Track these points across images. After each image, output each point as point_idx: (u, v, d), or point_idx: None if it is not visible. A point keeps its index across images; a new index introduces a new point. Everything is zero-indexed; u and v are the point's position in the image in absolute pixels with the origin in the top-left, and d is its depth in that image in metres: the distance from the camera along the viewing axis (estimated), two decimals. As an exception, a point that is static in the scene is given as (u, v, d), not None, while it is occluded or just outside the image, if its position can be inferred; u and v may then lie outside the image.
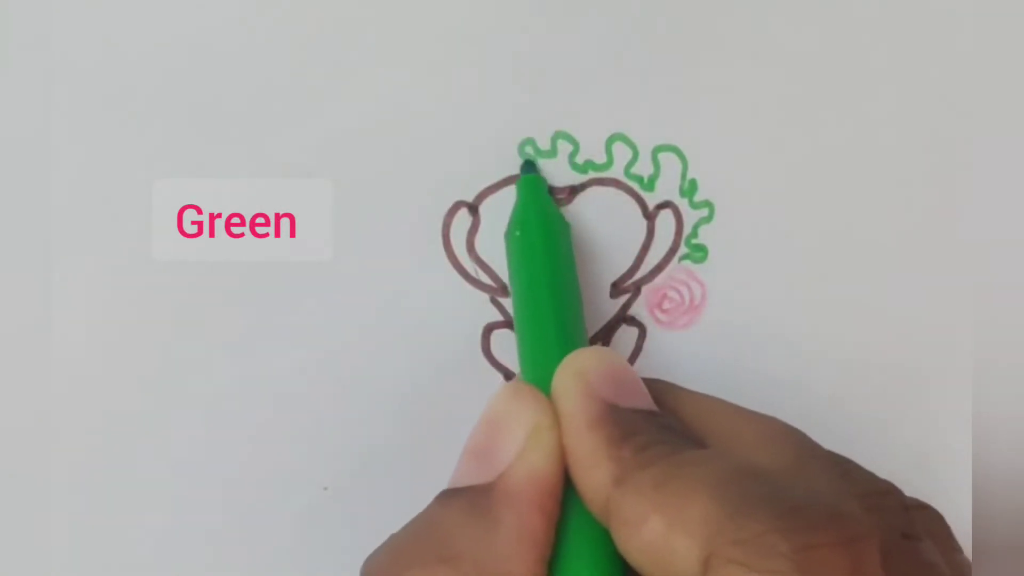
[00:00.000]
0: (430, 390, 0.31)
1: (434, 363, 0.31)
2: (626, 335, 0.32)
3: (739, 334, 0.31)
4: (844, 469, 0.23)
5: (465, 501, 0.22)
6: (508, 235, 0.29)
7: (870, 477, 0.23)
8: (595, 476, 0.21)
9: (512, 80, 0.30)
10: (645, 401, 0.23)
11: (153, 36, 0.30)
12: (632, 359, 0.31)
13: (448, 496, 0.23)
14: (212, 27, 0.30)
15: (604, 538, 0.21)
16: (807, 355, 0.32)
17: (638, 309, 0.31)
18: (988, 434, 0.32)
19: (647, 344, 0.31)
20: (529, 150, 0.31)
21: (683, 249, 0.31)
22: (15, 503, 0.31)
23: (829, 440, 0.32)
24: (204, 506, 0.31)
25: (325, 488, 0.31)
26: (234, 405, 0.31)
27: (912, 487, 0.32)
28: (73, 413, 0.30)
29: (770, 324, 0.31)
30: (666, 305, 0.31)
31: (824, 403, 0.32)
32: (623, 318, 0.31)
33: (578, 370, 0.23)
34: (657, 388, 0.24)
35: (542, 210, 0.29)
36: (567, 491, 0.22)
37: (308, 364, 0.31)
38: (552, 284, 0.27)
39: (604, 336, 0.31)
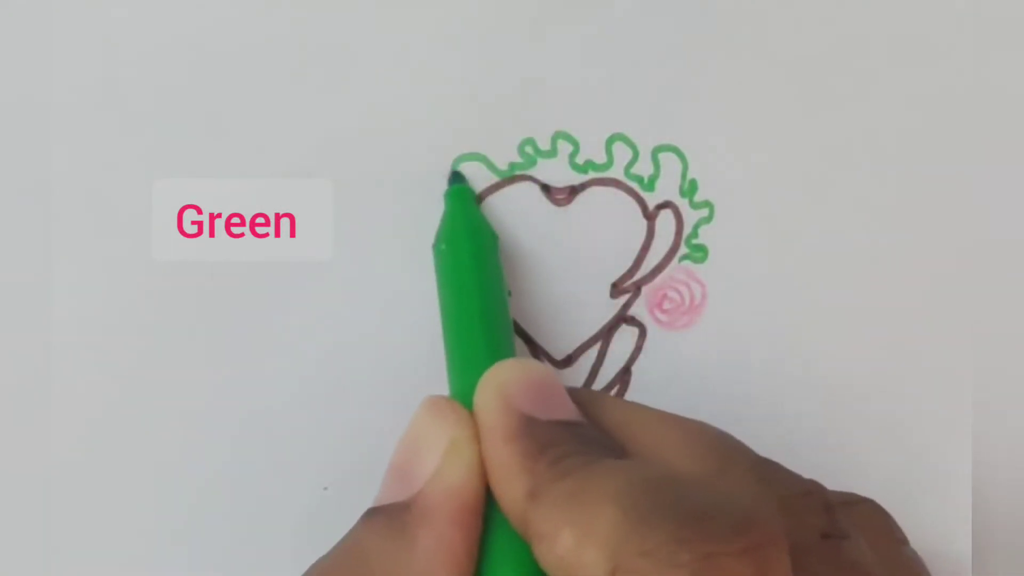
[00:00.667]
0: (430, 390, 0.31)
1: (434, 363, 0.31)
2: (626, 335, 0.32)
3: (739, 334, 0.31)
4: (766, 472, 0.23)
5: (384, 519, 0.22)
6: (435, 247, 0.28)
7: (793, 479, 0.23)
8: (512, 490, 0.21)
9: (512, 80, 0.30)
10: (567, 412, 0.23)
11: (153, 36, 0.30)
12: (632, 359, 0.31)
13: (369, 515, 0.23)
14: (212, 27, 0.30)
15: (527, 554, 0.21)
16: (807, 355, 0.32)
17: (638, 309, 0.31)
18: (988, 434, 0.32)
19: (647, 344, 0.31)
20: (529, 150, 0.31)
21: (683, 249, 0.31)
22: (15, 503, 0.31)
23: (829, 440, 0.32)
24: (204, 506, 0.31)
25: (325, 488, 0.31)
26: (234, 405, 0.31)
27: (912, 487, 0.32)
28: (73, 412, 0.30)
29: (770, 324, 0.31)
30: (666, 305, 0.31)
31: (824, 403, 0.32)
32: (623, 318, 0.31)
33: (498, 383, 0.23)
34: (583, 398, 0.24)
35: (469, 222, 0.28)
36: (491, 506, 0.22)
37: (308, 364, 0.31)
38: (480, 297, 0.27)
39: (603, 336, 0.31)
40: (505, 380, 0.23)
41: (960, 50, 0.31)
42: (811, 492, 0.23)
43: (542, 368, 0.24)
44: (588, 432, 0.23)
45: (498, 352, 0.25)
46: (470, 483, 0.22)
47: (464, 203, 0.29)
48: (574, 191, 0.31)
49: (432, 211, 0.31)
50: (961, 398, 0.32)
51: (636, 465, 0.22)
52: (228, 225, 0.30)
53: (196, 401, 0.31)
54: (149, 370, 0.30)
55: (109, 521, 0.31)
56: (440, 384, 0.31)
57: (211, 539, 0.31)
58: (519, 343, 0.31)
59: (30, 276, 0.30)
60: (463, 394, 0.24)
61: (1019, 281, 0.32)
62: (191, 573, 0.31)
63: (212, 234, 0.30)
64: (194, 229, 0.30)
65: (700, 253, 0.31)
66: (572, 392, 0.24)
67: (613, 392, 0.32)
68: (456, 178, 0.30)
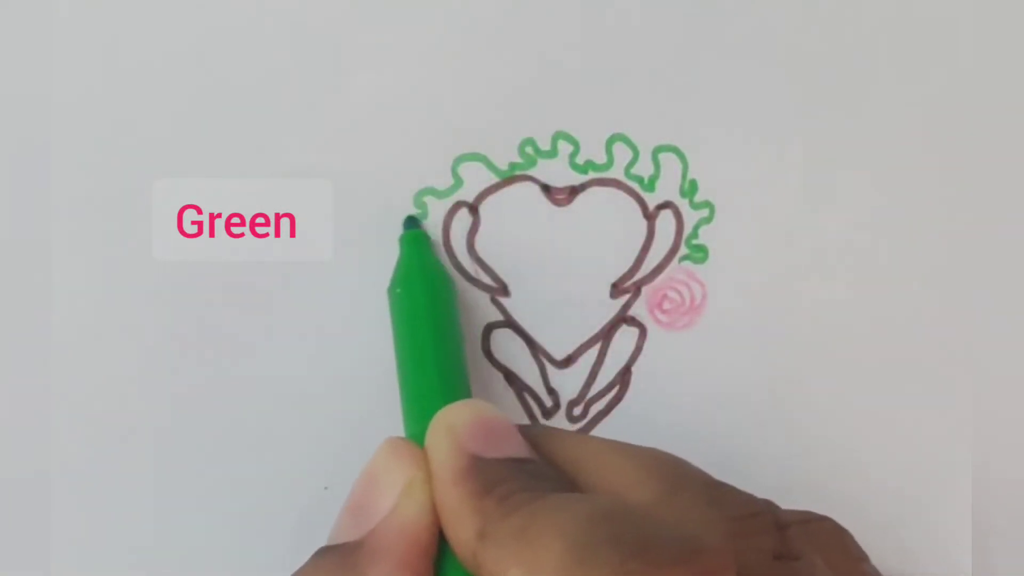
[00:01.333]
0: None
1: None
2: (626, 335, 0.31)
3: (739, 335, 0.31)
4: (715, 495, 0.23)
5: (336, 558, 0.22)
6: (390, 291, 0.29)
7: (744, 499, 0.23)
8: (461, 531, 0.21)
9: (512, 80, 0.30)
10: (517, 449, 0.23)
11: (153, 36, 0.30)
12: (632, 360, 0.31)
13: (321, 554, 0.23)
14: (212, 28, 0.30)
15: None
16: (807, 355, 0.32)
17: (638, 309, 0.31)
18: (989, 434, 0.32)
19: (647, 345, 0.31)
20: (529, 150, 0.31)
21: (683, 250, 0.31)
22: (15, 503, 0.31)
23: (829, 440, 0.32)
24: (204, 506, 0.31)
25: (325, 488, 0.31)
26: (234, 405, 0.31)
27: (912, 487, 0.32)
28: (73, 412, 0.30)
29: (770, 325, 0.31)
30: (666, 305, 0.31)
31: (825, 404, 0.32)
32: (623, 318, 0.31)
33: (448, 424, 0.23)
34: (533, 434, 0.24)
35: (424, 267, 0.29)
36: (444, 549, 0.22)
37: (308, 364, 0.31)
38: (434, 340, 0.27)
39: (604, 336, 0.31)
40: (454, 422, 0.23)
41: (960, 50, 0.31)
42: (762, 512, 0.23)
43: (491, 408, 0.24)
44: (537, 468, 0.23)
45: (451, 396, 0.25)
46: (423, 523, 0.22)
47: (419, 248, 0.29)
48: (574, 191, 0.31)
49: (432, 211, 0.31)
50: (962, 398, 0.32)
51: (583, 498, 0.22)
52: (228, 225, 0.30)
53: (196, 401, 0.31)
54: (149, 370, 0.30)
55: (109, 521, 0.31)
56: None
57: (211, 539, 0.31)
58: (520, 344, 0.31)
59: (30, 276, 0.30)
60: (417, 437, 0.24)
61: (1020, 281, 0.32)
62: (191, 573, 0.31)
63: (212, 234, 0.30)
64: (194, 229, 0.30)
65: (700, 253, 0.31)
66: (523, 429, 0.24)
67: (613, 392, 0.32)
68: (411, 223, 0.30)
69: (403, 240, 0.30)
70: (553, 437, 0.24)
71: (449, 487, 0.22)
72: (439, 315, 0.27)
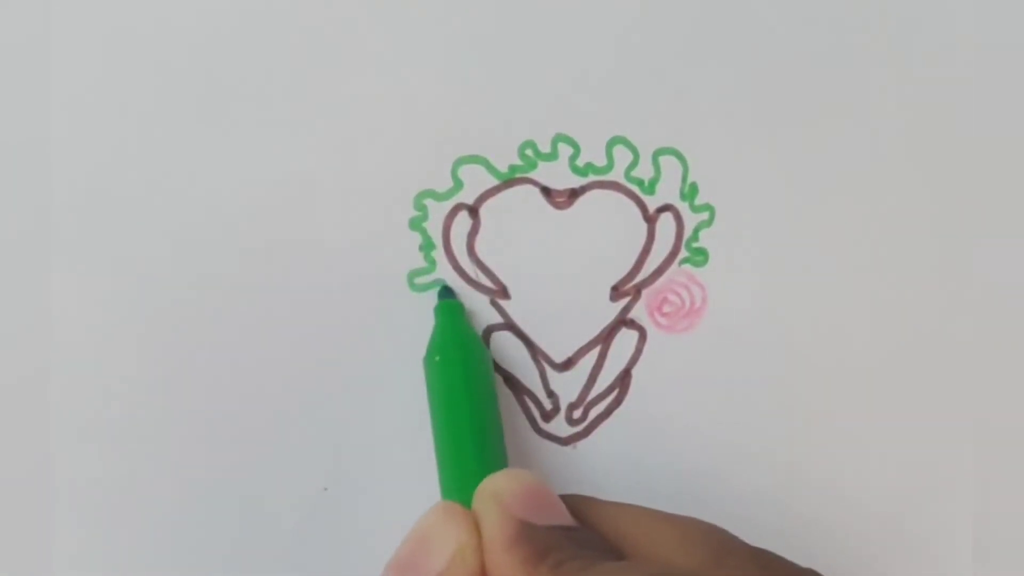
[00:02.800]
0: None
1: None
2: (626, 338, 0.31)
3: (739, 338, 0.31)
4: (763, 562, 0.23)
5: None
6: (427, 360, 0.29)
7: (789, 568, 0.24)
8: None
9: (512, 82, 0.30)
10: (563, 517, 0.23)
11: (154, 37, 0.30)
12: (632, 362, 0.31)
13: None
14: (213, 28, 0.30)
15: None
16: (807, 358, 0.32)
17: (638, 312, 0.31)
18: (989, 434, 0.32)
19: (647, 347, 0.31)
20: (529, 152, 0.31)
21: (683, 252, 0.31)
22: (15, 503, 0.31)
23: (829, 441, 0.32)
24: (204, 506, 0.31)
25: (325, 488, 0.31)
26: (234, 405, 0.31)
27: (913, 487, 0.32)
28: (73, 412, 0.31)
29: (770, 328, 0.31)
30: (666, 308, 0.31)
31: (824, 406, 0.32)
32: (623, 321, 0.31)
33: (494, 491, 0.24)
34: (574, 502, 0.24)
35: (461, 335, 0.29)
36: None
37: (308, 364, 0.31)
38: (472, 408, 0.27)
39: (604, 339, 0.31)
40: (500, 489, 0.24)
41: (960, 52, 0.31)
42: None
43: (534, 477, 0.25)
44: (585, 536, 0.23)
45: (490, 463, 0.26)
46: None
47: (455, 316, 0.30)
48: (574, 194, 0.31)
49: (432, 213, 0.31)
50: (962, 398, 0.32)
51: (634, 566, 0.22)
52: (230, 225, 0.30)
53: (196, 401, 0.31)
54: (149, 370, 0.31)
55: (108, 521, 0.31)
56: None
57: (211, 539, 0.31)
58: (520, 346, 0.31)
59: (30, 276, 0.30)
60: (457, 501, 0.25)
61: (1020, 281, 0.32)
62: (191, 573, 0.31)
63: (212, 233, 0.30)
64: (195, 229, 0.30)
65: (700, 256, 0.31)
66: (565, 498, 0.24)
67: (613, 395, 0.32)
68: (446, 292, 0.30)
69: (439, 310, 0.30)
70: (592, 505, 0.25)
71: (502, 553, 0.22)
72: (476, 385, 0.28)
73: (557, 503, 0.24)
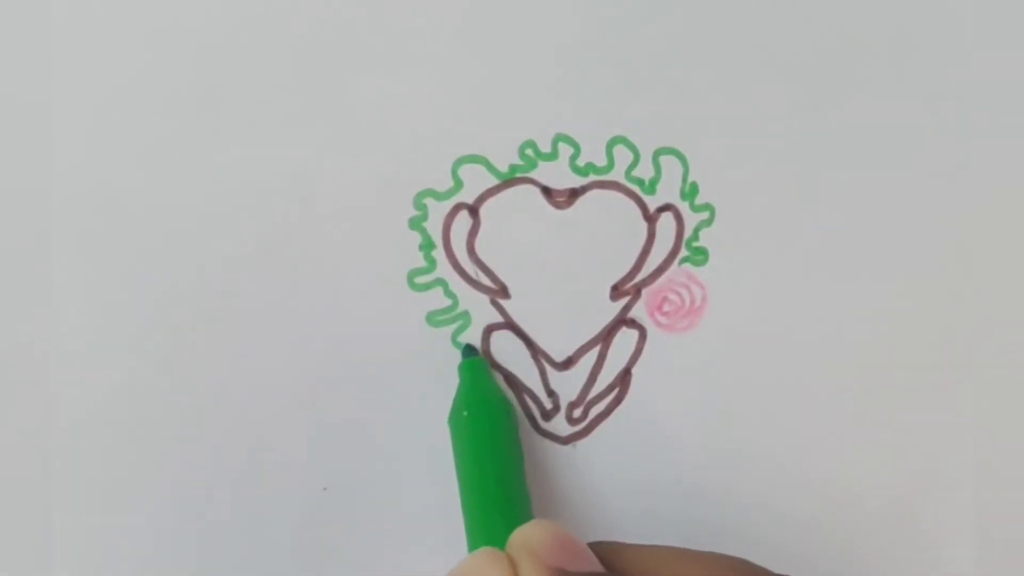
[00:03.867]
0: (430, 391, 0.31)
1: (434, 364, 0.31)
2: (626, 337, 0.31)
3: (739, 337, 0.31)
4: None
5: None
6: (453, 416, 0.29)
7: None
8: None
9: (513, 82, 0.30)
10: (593, 564, 0.24)
11: (155, 37, 0.30)
12: (632, 362, 0.31)
13: None
14: (214, 29, 0.30)
15: None
16: (807, 358, 0.32)
17: (638, 311, 0.31)
18: (989, 434, 0.32)
19: (647, 347, 0.31)
20: (530, 152, 0.31)
21: (684, 252, 0.31)
22: (15, 503, 0.31)
23: (829, 441, 0.32)
24: (204, 506, 0.31)
25: (325, 488, 0.31)
26: (234, 405, 0.31)
27: (913, 487, 0.32)
28: (73, 412, 0.30)
29: (770, 327, 0.31)
30: (666, 308, 0.31)
31: (824, 405, 0.32)
32: (623, 320, 0.31)
33: (525, 541, 0.24)
34: (602, 549, 0.25)
35: (487, 392, 0.30)
36: None
37: (308, 365, 0.31)
38: (498, 466, 0.28)
39: (604, 338, 0.31)
40: (531, 539, 0.24)
41: (960, 50, 0.31)
42: None
43: (561, 527, 0.25)
44: None
45: (517, 517, 0.26)
46: None
47: (481, 373, 0.30)
48: (575, 194, 0.31)
49: (433, 213, 0.31)
50: (962, 398, 0.32)
51: None
52: (230, 224, 0.30)
53: (196, 401, 0.31)
54: (149, 370, 0.30)
55: (108, 521, 0.31)
56: (440, 385, 0.31)
57: (211, 539, 0.31)
58: (520, 345, 0.31)
59: (30, 276, 0.30)
60: None
61: (1020, 281, 0.32)
62: (191, 573, 0.31)
63: (213, 232, 0.30)
64: (195, 228, 0.30)
65: (701, 256, 0.31)
66: (592, 546, 0.25)
67: (613, 394, 0.32)
68: (470, 351, 0.31)
69: (463, 368, 0.31)
70: (619, 551, 0.25)
71: None
72: (502, 440, 0.29)
73: (585, 550, 0.24)
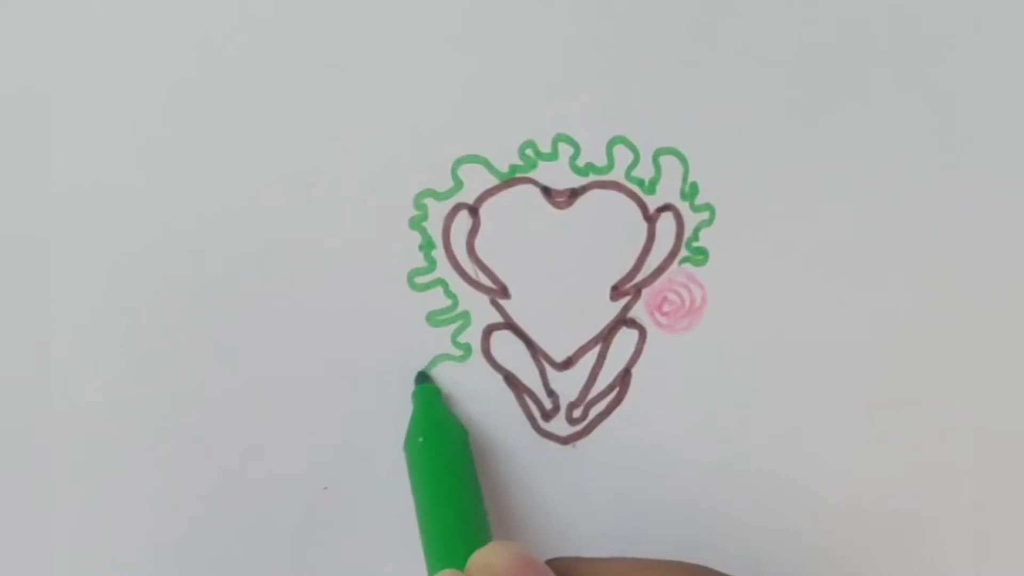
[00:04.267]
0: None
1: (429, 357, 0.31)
2: (626, 337, 0.31)
3: (739, 337, 0.31)
4: None
5: None
6: (409, 442, 0.30)
7: None
8: None
9: (513, 82, 0.30)
10: None
11: (155, 38, 0.30)
12: (631, 362, 0.31)
13: None
14: (214, 29, 0.30)
15: None
16: (807, 358, 0.32)
17: (638, 312, 0.31)
18: (989, 434, 0.32)
19: (647, 347, 0.31)
20: (530, 152, 0.31)
21: (684, 252, 0.31)
22: (15, 503, 0.31)
23: (829, 441, 0.32)
24: (204, 506, 0.31)
25: (325, 488, 0.31)
26: (234, 405, 0.31)
27: (913, 487, 0.32)
28: (73, 413, 0.31)
29: (770, 327, 0.31)
30: (666, 308, 0.31)
31: (825, 405, 0.32)
32: (623, 320, 0.31)
33: (486, 564, 0.25)
34: (562, 565, 0.25)
35: (441, 418, 0.30)
36: None
37: (308, 365, 0.31)
38: (454, 490, 0.28)
39: (604, 338, 0.31)
40: (491, 562, 0.25)
41: (960, 50, 0.31)
42: None
43: (520, 547, 0.25)
44: None
45: (476, 539, 0.27)
46: None
47: (434, 400, 0.30)
48: (575, 194, 0.31)
49: (433, 213, 0.31)
50: (962, 399, 0.32)
51: None
52: (229, 223, 0.30)
53: (196, 401, 0.31)
54: (148, 370, 0.31)
55: (108, 521, 0.31)
56: (439, 385, 0.31)
57: (211, 539, 0.31)
58: (520, 345, 0.31)
59: (30, 276, 0.30)
60: None
61: (1020, 281, 0.32)
62: (191, 573, 0.31)
63: (212, 232, 0.30)
64: (196, 227, 0.30)
65: (701, 256, 0.31)
66: (550, 562, 0.25)
67: (613, 394, 0.32)
68: (422, 378, 0.31)
69: (417, 394, 0.31)
70: (579, 564, 0.26)
71: None
72: (458, 466, 0.29)
73: (544, 568, 0.25)
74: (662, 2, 0.30)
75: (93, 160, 0.30)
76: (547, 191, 0.31)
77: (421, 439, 0.29)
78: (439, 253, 0.31)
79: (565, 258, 0.31)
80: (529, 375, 0.31)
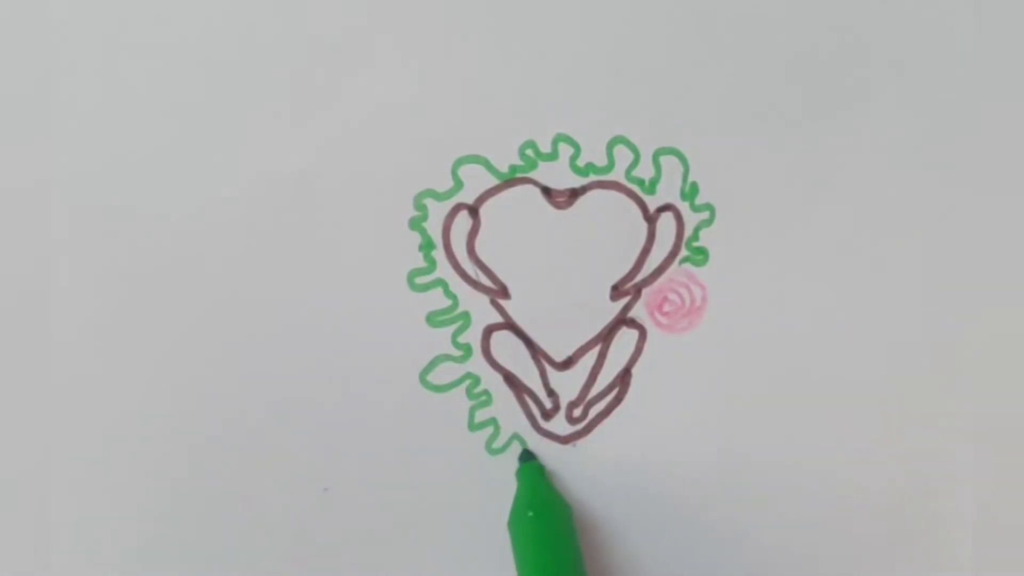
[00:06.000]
0: (430, 391, 0.31)
1: (430, 355, 0.31)
2: (626, 337, 0.31)
3: (739, 337, 0.31)
4: None
5: None
6: (516, 517, 0.30)
7: None
8: None
9: (513, 82, 0.30)
10: None
11: (155, 38, 0.30)
12: (632, 361, 0.31)
13: None
14: (214, 29, 0.30)
15: None
16: (807, 358, 0.32)
17: (638, 311, 0.31)
18: (989, 434, 0.32)
19: (647, 346, 0.31)
20: (530, 152, 0.30)
21: (684, 252, 0.31)
22: (15, 503, 0.31)
23: (829, 440, 0.32)
24: (204, 506, 0.31)
25: (325, 488, 0.31)
26: (234, 405, 0.31)
27: (913, 487, 0.32)
28: (73, 413, 0.30)
29: (770, 327, 0.31)
30: (666, 308, 0.31)
31: (824, 405, 0.32)
32: (623, 320, 0.31)
33: None
34: None
35: (547, 495, 0.30)
36: None
37: (308, 365, 0.31)
38: (564, 559, 0.29)
39: (604, 338, 0.31)
40: None
41: (960, 50, 0.31)
42: None
43: None
44: None
45: None
46: None
47: (540, 477, 0.31)
48: (575, 194, 0.31)
49: (433, 213, 0.31)
50: (963, 397, 0.32)
51: None
52: (228, 223, 0.30)
53: (196, 401, 0.31)
54: (149, 370, 0.30)
55: (108, 521, 0.31)
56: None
57: (212, 539, 0.31)
58: (520, 345, 0.31)
59: (30, 276, 0.30)
60: None
61: (1020, 280, 0.32)
62: (191, 573, 0.31)
63: (213, 232, 0.30)
64: (196, 227, 0.30)
65: (701, 256, 0.31)
66: None
67: (613, 394, 0.32)
68: (526, 456, 0.31)
69: (521, 472, 0.31)
70: None
71: None
72: (566, 538, 0.30)
73: None
74: (662, 2, 0.30)
75: (93, 160, 0.30)
76: (547, 191, 0.31)
77: (531, 514, 0.30)
78: (439, 253, 0.31)
79: (565, 258, 0.31)
80: (529, 375, 0.31)
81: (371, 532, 0.31)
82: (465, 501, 0.31)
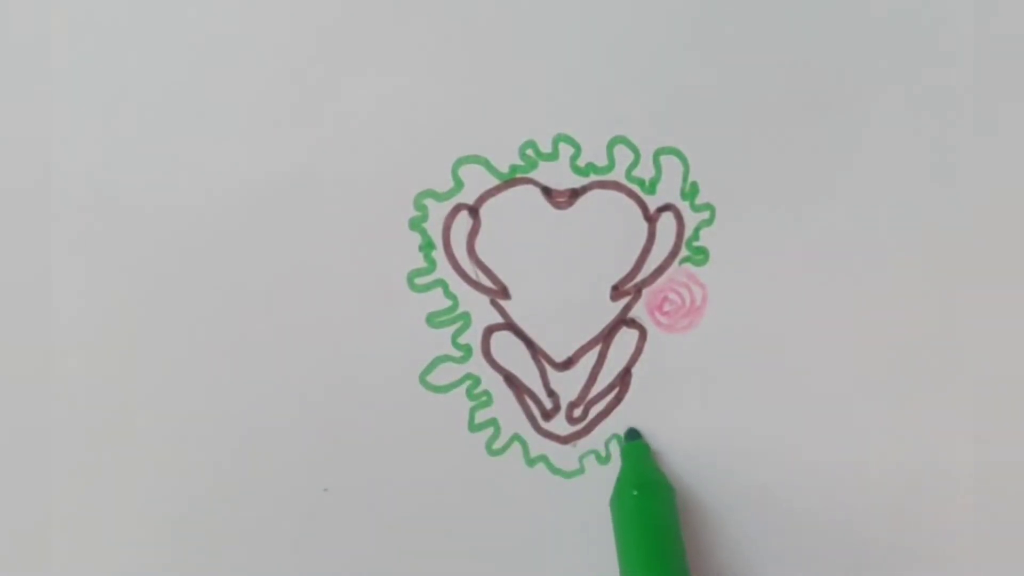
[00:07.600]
0: (430, 392, 0.31)
1: (430, 352, 0.31)
2: (626, 337, 0.32)
3: (740, 336, 0.31)
4: None
5: None
6: (620, 495, 0.30)
7: None
8: None
9: (513, 82, 0.30)
10: None
11: (154, 39, 0.30)
12: (632, 361, 0.32)
13: None
14: (214, 29, 0.30)
15: None
16: (807, 357, 0.32)
17: (638, 311, 0.31)
18: (989, 434, 0.32)
19: (647, 346, 0.31)
20: (530, 152, 0.30)
21: (684, 252, 0.31)
22: (15, 503, 0.31)
23: (829, 440, 0.32)
24: (205, 506, 0.31)
25: (325, 488, 0.31)
26: (234, 405, 0.31)
27: (913, 486, 0.32)
28: (73, 412, 0.31)
29: (770, 327, 0.31)
30: (667, 307, 0.31)
31: (825, 404, 0.32)
32: (623, 320, 0.31)
33: None
34: None
35: (652, 475, 0.31)
36: None
37: (308, 365, 0.31)
38: (667, 539, 0.29)
39: (604, 338, 0.31)
40: None
41: (960, 50, 0.31)
42: None
43: None
44: None
45: None
46: None
47: (644, 458, 0.31)
48: (575, 194, 0.31)
49: (433, 213, 0.31)
50: (963, 396, 0.32)
51: None
52: (228, 223, 0.30)
53: (196, 402, 0.31)
54: (149, 371, 0.30)
55: (109, 522, 0.31)
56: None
57: (212, 539, 0.31)
58: (521, 345, 0.31)
59: (30, 276, 0.30)
60: None
61: (1020, 280, 0.32)
62: (191, 573, 0.31)
63: (212, 232, 0.30)
64: (195, 226, 0.30)
65: (701, 255, 0.31)
66: None
67: (613, 394, 0.32)
68: (632, 434, 0.31)
69: (626, 451, 0.31)
70: None
71: None
72: (669, 519, 0.30)
73: None
74: (662, 2, 0.30)
75: (93, 161, 0.30)
76: (547, 191, 0.31)
77: (635, 493, 0.30)
78: (439, 254, 0.31)
79: (565, 258, 0.31)
80: (529, 375, 0.32)
81: (371, 532, 0.31)
82: (465, 502, 0.31)
